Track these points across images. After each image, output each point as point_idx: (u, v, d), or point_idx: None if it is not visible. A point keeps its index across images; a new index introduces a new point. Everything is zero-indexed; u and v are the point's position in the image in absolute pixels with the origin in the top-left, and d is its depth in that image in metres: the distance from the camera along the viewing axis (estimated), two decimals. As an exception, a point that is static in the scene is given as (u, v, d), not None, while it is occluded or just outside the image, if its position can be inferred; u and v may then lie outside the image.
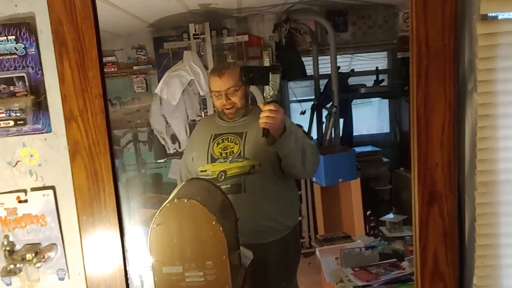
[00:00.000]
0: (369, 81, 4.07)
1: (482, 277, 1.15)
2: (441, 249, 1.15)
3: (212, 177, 1.81)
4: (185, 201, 1.22)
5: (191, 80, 3.43)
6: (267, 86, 1.51)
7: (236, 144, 1.84)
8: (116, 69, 3.66)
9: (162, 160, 3.64)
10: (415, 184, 1.15)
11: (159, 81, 3.49)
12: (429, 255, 1.16)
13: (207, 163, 1.85)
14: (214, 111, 1.99)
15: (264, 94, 1.55)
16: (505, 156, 1.08)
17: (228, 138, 1.86)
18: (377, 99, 4.29)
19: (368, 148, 3.87)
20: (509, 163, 1.08)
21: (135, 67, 3.71)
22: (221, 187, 1.76)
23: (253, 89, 3.16)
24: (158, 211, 1.23)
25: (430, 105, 1.11)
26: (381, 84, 4.01)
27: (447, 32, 1.07)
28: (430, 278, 1.17)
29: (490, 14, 1.06)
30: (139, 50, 3.73)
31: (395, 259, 2.18)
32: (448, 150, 1.12)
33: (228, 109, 1.85)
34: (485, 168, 1.10)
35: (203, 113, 3.52)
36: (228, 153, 1.83)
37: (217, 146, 1.86)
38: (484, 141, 1.09)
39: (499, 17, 1.08)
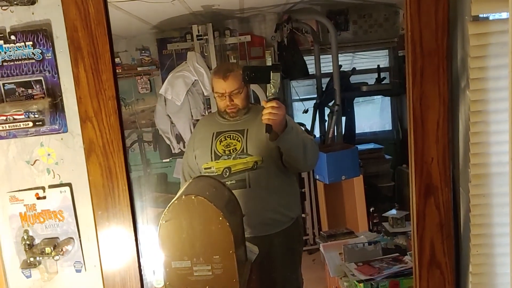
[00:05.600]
0: (370, 79, 4.08)
1: (477, 265, 1.20)
2: (438, 239, 1.21)
3: (216, 173, 1.86)
4: (193, 197, 1.26)
5: (195, 80, 3.47)
6: (269, 85, 1.56)
7: (239, 141, 1.89)
8: (120, 70, 3.69)
9: (168, 160, 3.67)
10: (413, 177, 1.21)
11: (163, 82, 3.51)
12: (427, 245, 1.22)
13: (211, 160, 1.90)
14: (217, 110, 2.03)
15: (267, 93, 1.61)
16: (497, 150, 1.13)
17: (230, 135, 1.91)
18: (379, 97, 4.32)
19: (371, 146, 3.88)
20: (501, 156, 1.12)
21: (139, 68, 3.73)
22: (226, 183, 1.81)
23: (256, 88, 3.22)
24: (167, 208, 1.27)
25: (425, 102, 1.16)
26: (382, 82, 4.02)
27: (440, 33, 1.13)
28: (427, 266, 1.22)
29: (481, 15, 1.11)
30: (142, 52, 3.76)
31: (397, 254, 2.21)
32: (443, 145, 1.17)
33: (231, 109, 1.90)
34: (478, 161, 1.15)
35: (207, 112, 3.55)
36: (231, 150, 1.88)
37: (220, 143, 1.91)
38: (477, 135, 1.14)
39: (490, 18, 1.13)
